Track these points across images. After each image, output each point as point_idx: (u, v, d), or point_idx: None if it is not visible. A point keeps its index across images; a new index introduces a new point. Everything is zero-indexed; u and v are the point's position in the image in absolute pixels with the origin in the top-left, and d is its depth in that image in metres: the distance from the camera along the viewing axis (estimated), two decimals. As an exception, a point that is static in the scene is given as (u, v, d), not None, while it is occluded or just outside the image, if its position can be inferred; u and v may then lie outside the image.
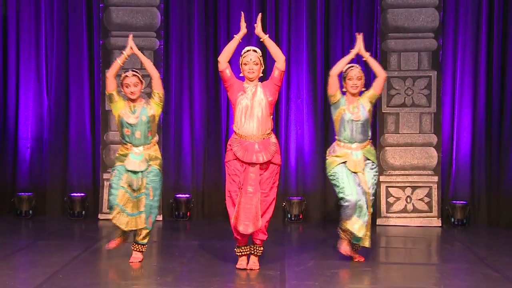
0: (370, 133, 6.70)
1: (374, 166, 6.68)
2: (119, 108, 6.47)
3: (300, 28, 9.09)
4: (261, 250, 6.40)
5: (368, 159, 6.64)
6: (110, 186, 6.50)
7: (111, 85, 6.45)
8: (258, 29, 6.35)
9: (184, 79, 9.18)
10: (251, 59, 6.28)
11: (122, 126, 6.47)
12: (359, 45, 6.65)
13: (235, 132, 6.30)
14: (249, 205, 6.19)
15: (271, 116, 6.32)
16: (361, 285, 6.11)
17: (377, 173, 6.71)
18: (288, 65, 9.07)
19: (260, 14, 6.46)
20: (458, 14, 8.96)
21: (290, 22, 9.13)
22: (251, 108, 6.21)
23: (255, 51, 6.31)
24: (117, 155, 6.56)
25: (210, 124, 9.16)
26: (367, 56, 6.65)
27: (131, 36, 6.59)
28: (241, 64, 6.33)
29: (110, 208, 6.52)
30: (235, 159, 6.27)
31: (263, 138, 6.24)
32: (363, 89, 6.68)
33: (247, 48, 6.37)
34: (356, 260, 6.66)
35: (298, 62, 9.13)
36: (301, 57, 9.11)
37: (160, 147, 8.68)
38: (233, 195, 6.30)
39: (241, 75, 6.37)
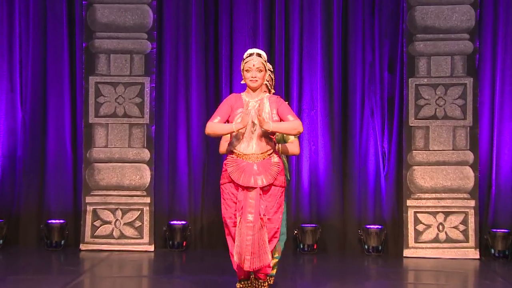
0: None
1: None
2: None
3: (314, 29, 8.84)
4: (265, 286, 6.09)
5: None
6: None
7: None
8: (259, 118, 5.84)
9: (180, 87, 8.94)
10: (254, 65, 5.94)
11: None
12: None
13: (232, 151, 5.96)
14: (249, 236, 5.84)
15: (275, 135, 6.08)
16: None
17: None
18: (300, 72, 8.86)
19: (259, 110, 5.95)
20: (497, 12, 8.67)
21: (303, 22, 8.86)
22: (251, 124, 5.91)
23: (259, 55, 5.99)
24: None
25: (209, 139, 8.73)
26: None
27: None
28: (242, 70, 6.01)
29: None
30: (231, 182, 5.97)
31: (264, 158, 5.91)
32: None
33: (249, 51, 6.05)
34: None
35: (312, 68, 8.86)
36: (315, 63, 8.84)
37: (151, 166, 8.55)
38: (228, 222, 5.99)
39: (242, 82, 6.05)
